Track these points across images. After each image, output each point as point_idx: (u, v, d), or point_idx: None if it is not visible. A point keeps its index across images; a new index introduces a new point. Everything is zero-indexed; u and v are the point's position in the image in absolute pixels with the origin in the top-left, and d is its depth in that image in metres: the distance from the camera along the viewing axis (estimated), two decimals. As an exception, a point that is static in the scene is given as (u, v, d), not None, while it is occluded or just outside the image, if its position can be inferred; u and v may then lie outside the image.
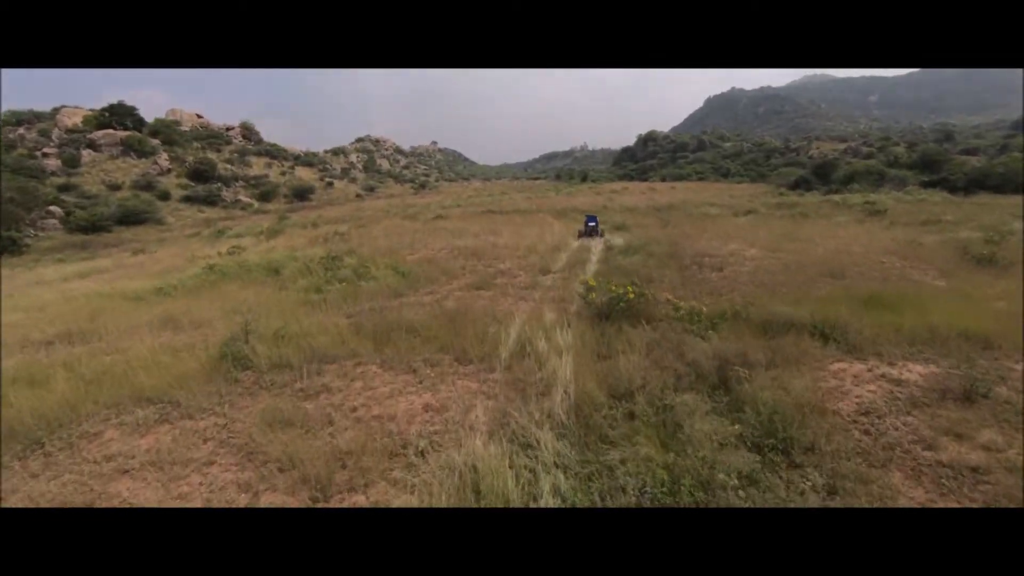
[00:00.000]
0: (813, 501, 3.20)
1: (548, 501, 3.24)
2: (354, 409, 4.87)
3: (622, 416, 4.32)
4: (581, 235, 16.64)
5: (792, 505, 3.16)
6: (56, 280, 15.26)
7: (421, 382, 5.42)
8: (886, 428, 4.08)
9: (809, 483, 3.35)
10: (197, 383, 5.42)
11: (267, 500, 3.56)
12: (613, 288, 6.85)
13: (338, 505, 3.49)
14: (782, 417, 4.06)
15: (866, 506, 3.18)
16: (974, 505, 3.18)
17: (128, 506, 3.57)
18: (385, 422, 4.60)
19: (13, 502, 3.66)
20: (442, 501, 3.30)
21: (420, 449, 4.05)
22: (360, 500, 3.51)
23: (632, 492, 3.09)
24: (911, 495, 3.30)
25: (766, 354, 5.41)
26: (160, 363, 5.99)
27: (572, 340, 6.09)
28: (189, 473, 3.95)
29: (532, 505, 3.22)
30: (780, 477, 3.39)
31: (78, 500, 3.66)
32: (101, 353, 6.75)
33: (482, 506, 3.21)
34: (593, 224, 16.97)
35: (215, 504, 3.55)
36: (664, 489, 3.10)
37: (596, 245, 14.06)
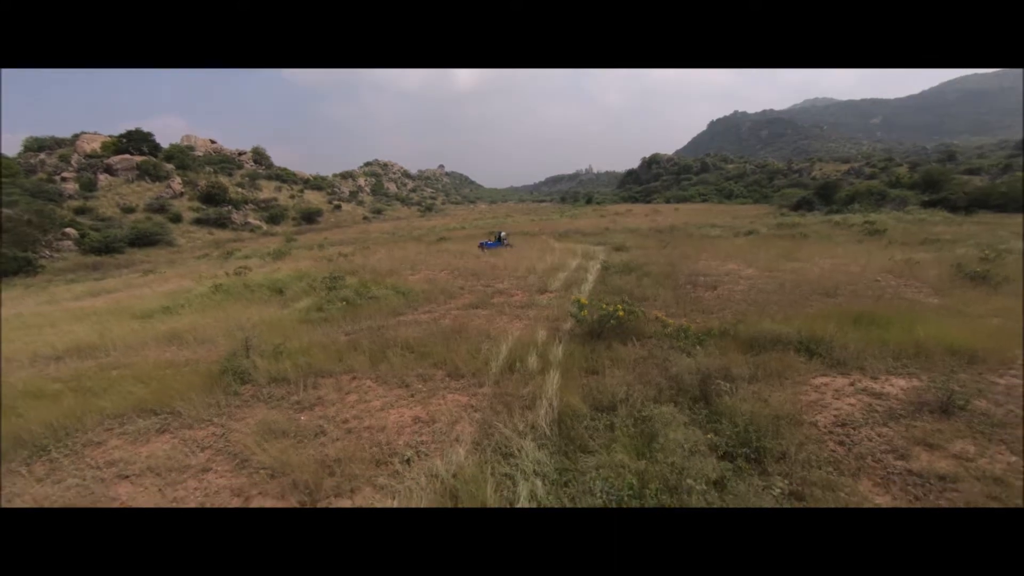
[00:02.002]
0: (776, 505, 3.31)
1: (525, 505, 3.38)
2: (346, 421, 5.04)
3: (603, 427, 4.45)
4: (484, 245, 20.63)
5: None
6: (67, 299, 15.69)
7: (413, 396, 5.58)
8: (860, 439, 4.18)
9: (778, 490, 3.46)
10: (198, 395, 5.62)
11: (258, 503, 3.73)
12: (604, 306, 7.03)
13: (330, 506, 3.63)
14: (757, 428, 4.18)
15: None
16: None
17: (128, 506, 3.73)
18: (375, 433, 4.76)
19: (18, 504, 3.85)
20: (423, 505, 3.45)
21: (406, 458, 4.20)
22: (346, 504, 3.66)
23: (599, 494, 3.22)
24: (877, 501, 3.39)
25: (749, 369, 5.54)
26: (163, 377, 6.22)
27: (561, 357, 6.25)
28: (186, 478, 4.13)
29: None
30: (747, 483, 3.50)
31: (80, 502, 3.85)
32: (108, 368, 7.00)
33: (466, 507, 3.34)
34: (504, 234, 21.99)
35: (211, 506, 3.72)
36: (631, 492, 3.22)
37: (594, 265, 14.26)
